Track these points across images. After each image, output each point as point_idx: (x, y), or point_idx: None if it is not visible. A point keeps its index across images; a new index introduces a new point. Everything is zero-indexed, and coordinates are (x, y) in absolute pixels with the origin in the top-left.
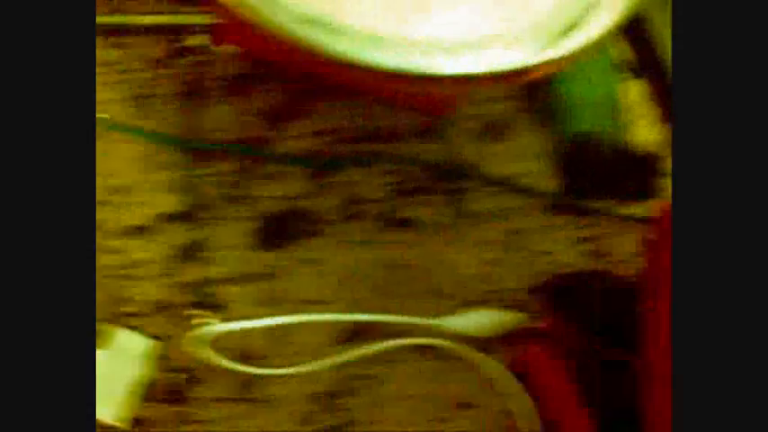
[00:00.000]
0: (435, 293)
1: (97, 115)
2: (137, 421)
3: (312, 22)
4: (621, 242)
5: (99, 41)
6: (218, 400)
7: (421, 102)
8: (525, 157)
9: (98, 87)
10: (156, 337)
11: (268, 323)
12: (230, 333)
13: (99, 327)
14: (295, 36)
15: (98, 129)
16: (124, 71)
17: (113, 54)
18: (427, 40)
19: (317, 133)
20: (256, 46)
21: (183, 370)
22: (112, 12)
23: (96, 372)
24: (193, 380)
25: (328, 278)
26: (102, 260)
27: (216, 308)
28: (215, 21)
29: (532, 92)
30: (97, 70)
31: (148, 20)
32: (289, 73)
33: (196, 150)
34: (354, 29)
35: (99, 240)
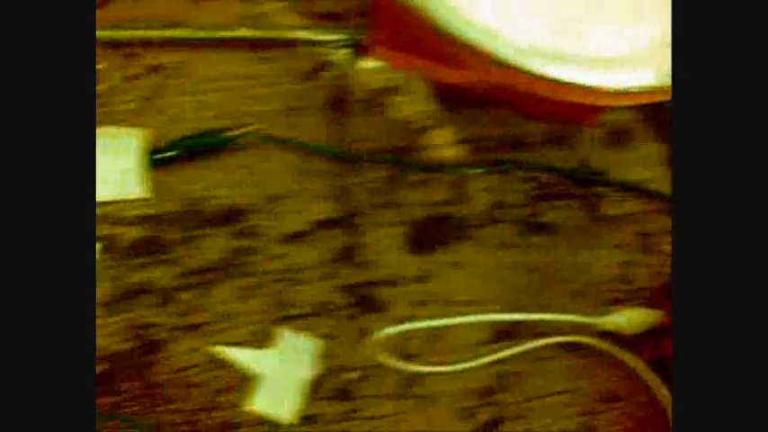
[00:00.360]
0: (575, 293)
1: (243, 129)
2: (306, 418)
3: (479, 29)
4: None
5: (246, 55)
6: (384, 396)
7: (567, 112)
8: (649, 164)
9: (247, 100)
10: (320, 337)
11: (433, 324)
12: (391, 333)
13: (267, 328)
14: (466, 40)
15: (252, 140)
16: (272, 84)
17: (261, 68)
18: (582, 55)
19: (460, 142)
20: (401, 59)
21: (348, 369)
22: (257, 27)
23: (265, 371)
24: (361, 378)
25: (476, 280)
26: (267, 266)
27: (375, 309)
28: (357, 37)
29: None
30: (244, 83)
31: (293, 34)
32: (432, 84)
33: (346, 160)
34: (515, 37)
35: (260, 246)
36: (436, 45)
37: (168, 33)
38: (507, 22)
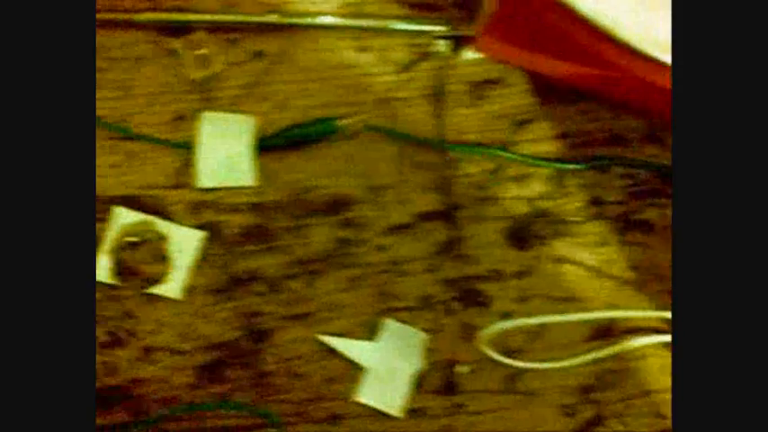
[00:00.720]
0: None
1: (350, 119)
2: (412, 411)
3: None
4: None
5: (346, 44)
6: (487, 391)
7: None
8: None
9: (344, 90)
10: (424, 330)
11: (540, 321)
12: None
13: (373, 319)
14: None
15: (357, 130)
16: (372, 74)
17: (362, 57)
18: None
19: (559, 136)
20: (505, 51)
21: (452, 362)
22: (357, 15)
23: (372, 363)
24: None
25: (575, 276)
26: (371, 257)
27: (477, 304)
28: (457, 30)
29: None
30: (347, 72)
31: (393, 24)
32: (532, 77)
33: (447, 152)
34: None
35: (365, 237)
36: (552, 36)
37: (271, 19)
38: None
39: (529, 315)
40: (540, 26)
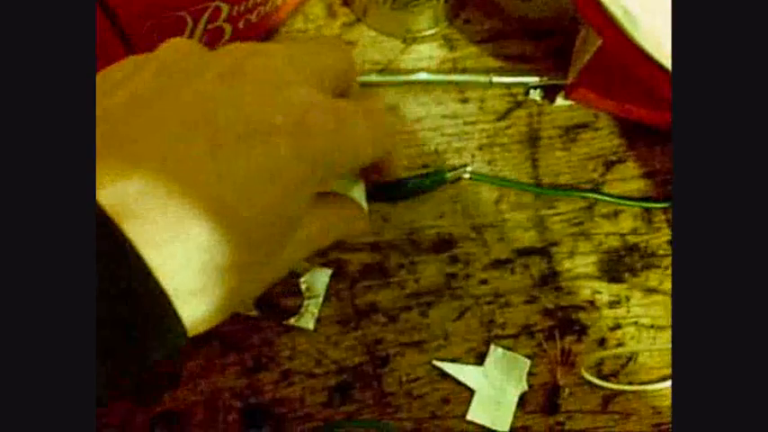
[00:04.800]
0: None
1: (455, 172)
2: (516, 429)
3: None
4: None
5: (446, 96)
6: (585, 412)
7: None
8: None
9: (452, 137)
10: (526, 356)
11: (631, 349)
12: (592, 352)
13: (480, 346)
14: None
15: (462, 177)
16: (472, 123)
17: (463, 107)
18: None
19: (646, 175)
20: (596, 99)
21: (552, 385)
22: (459, 70)
23: (480, 385)
24: (564, 394)
25: (664, 305)
26: (476, 290)
27: (575, 332)
28: (550, 80)
29: None
30: (450, 122)
31: (488, 77)
32: (619, 120)
33: (543, 194)
34: None
35: (470, 271)
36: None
37: (383, 78)
38: None
39: (621, 342)
40: (629, 78)
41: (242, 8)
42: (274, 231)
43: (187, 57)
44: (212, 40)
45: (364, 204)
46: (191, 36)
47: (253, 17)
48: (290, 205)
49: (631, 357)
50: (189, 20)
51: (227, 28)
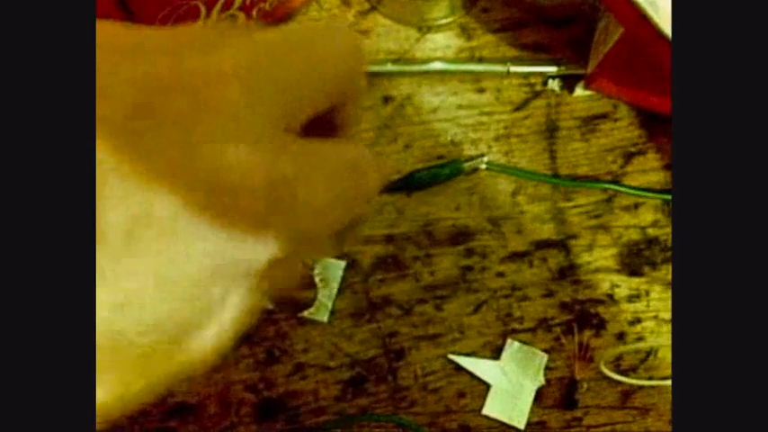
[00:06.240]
0: None
1: (472, 162)
2: (533, 424)
3: None
4: None
5: (464, 86)
6: (603, 407)
7: None
8: None
9: (468, 128)
10: (543, 351)
11: (651, 344)
12: (610, 347)
13: (497, 340)
14: None
15: (478, 167)
16: (489, 113)
17: (479, 97)
18: None
19: (666, 167)
20: (616, 89)
21: (569, 380)
22: (475, 59)
23: (497, 380)
24: (582, 389)
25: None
26: (492, 283)
27: (592, 326)
28: (569, 69)
29: None
30: (466, 113)
31: (505, 67)
32: (639, 111)
33: (561, 185)
34: None
35: (486, 264)
36: (660, 75)
37: (398, 68)
38: None
39: (641, 336)
40: (650, 68)
41: None
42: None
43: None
44: None
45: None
46: None
47: (266, 5)
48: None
49: (651, 352)
50: (202, 8)
51: (241, 16)
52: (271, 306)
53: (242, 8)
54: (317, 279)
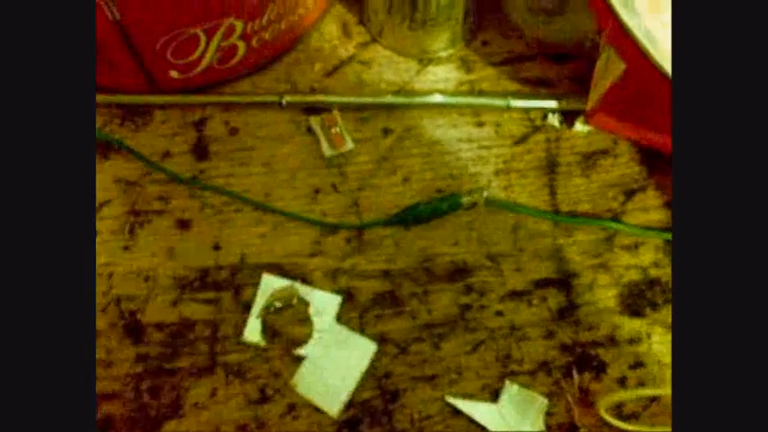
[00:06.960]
0: None
1: (470, 197)
2: None
3: None
4: None
5: (465, 119)
6: None
7: None
8: None
9: (467, 162)
10: (542, 394)
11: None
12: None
13: (495, 382)
14: None
15: (477, 202)
16: (489, 147)
17: (479, 131)
18: None
19: (668, 204)
20: (614, 125)
21: (570, 426)
22: (475, 93)
23: (496, 424)
24: None
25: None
26: (491, 323)
27: (594, 369)
28: (569, 104)
29: None
30: (466, 146)
31: (506, 101)
32: (639, 148)
33: (561, 222)
34: None
35: (485, 303)
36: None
37: (398, 100)
38: None
39: (642, 382)
40: (651, 105)
41: (256, 26)
42: None
43: None
44: (225, 57)
45: None
46: (203, 54)
47: (267, 35)
48: None
49: (654, 398)
50: (202, 37)
51: (241, 45)
52: (263, 342)
53: (242, 37)
54: (311, 313)
